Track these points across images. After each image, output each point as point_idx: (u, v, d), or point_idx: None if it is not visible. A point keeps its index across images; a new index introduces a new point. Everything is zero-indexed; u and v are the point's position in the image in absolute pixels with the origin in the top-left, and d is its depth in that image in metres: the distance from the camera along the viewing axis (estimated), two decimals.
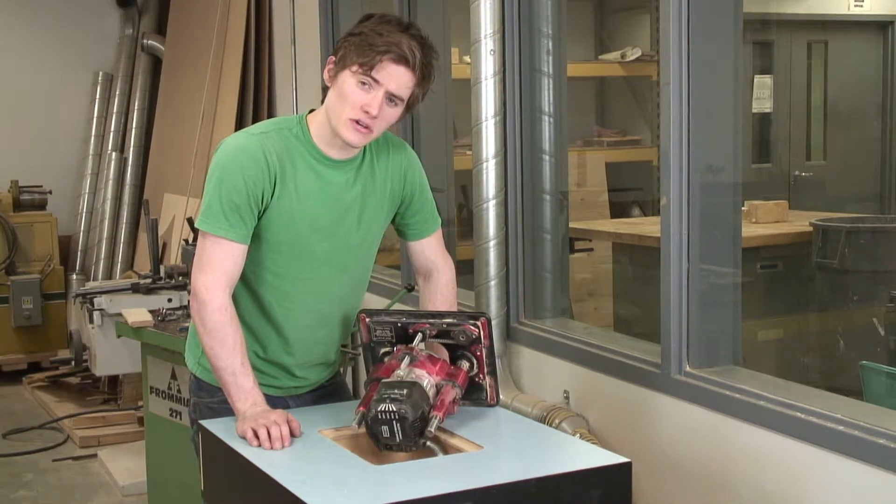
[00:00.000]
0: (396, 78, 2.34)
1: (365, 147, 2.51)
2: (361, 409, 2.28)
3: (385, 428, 2.19)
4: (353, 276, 2.59)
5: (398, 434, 2.19)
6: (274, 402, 2.44)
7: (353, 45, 2.34)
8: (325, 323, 2.58)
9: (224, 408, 2.48)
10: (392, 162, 2.56)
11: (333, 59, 2.40)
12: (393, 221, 2.64)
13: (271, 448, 2.24)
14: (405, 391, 2.21)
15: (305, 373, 2.62)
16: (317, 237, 2.47)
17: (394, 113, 2.40)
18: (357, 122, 2.37)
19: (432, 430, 2.22)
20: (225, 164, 2.40)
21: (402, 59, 2.33)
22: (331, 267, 2.52)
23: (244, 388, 2.37)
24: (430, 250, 2.68)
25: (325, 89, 2.45)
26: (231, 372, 2.37)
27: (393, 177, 2.56)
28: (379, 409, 2.18)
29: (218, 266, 2.39)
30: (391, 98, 2.37)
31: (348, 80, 2.35)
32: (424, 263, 2.69)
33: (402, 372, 2.30)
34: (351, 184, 2.50)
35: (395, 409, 2.18)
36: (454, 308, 2.68)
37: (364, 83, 2.34)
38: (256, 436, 2.26)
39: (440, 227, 2.71)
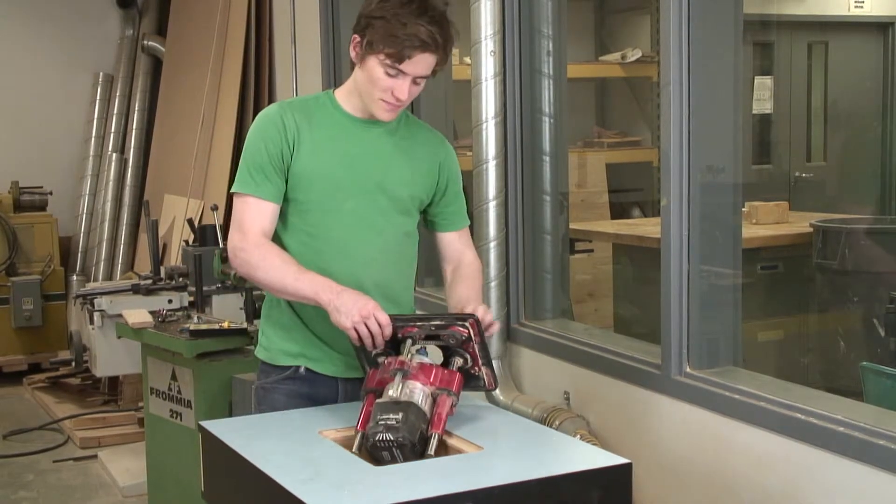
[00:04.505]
0: (422, 64, 2.45)
1: (400, 122, 2.62)
2: (360, 429, 2.28)
3: (385, 454, 2.20)
4: (388, 242, 2.60)
5: (399, 458, 2.20)
6: (326, 382, 2.59)
7: (379, 32, 2.42)
8: (364, 292, 2.51)
9: (276, 387, 2.61)
10: (429, 146, 2.66)
11: (358, 39, 2.48)
12: (425, 214, 2.69)
13: (373, 346, 2.35)
14: (400, 415, 2.20)
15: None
16: (342, 194, 2.54)
17: (420, 88, 2.52)
18: (387, 102, 2.49)
19: (432, 452, 2.22)
20: (250, 132, 2.58)
21: (426, 48, 2.42)
22: (362, 226, 2.56)
23: (316, 281, 2.43)
24: (462, 241, 2.74)
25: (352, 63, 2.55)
26: (294, 278, 2.44)
27: (429, 160, 2.65)
28: (377, 439, 2.18)
29: (248, 223, 2.51)
30: (416, 78, 2.47)
31: (376, 66, 2.45)
32: (454, 254, 2.72)
33: (394, 392, 2.27)
34: (375, 141, 2.58)
35: (392, 438, 2.18)
36: (478, 283, 2.69)
37: (391, 73, 2.44)
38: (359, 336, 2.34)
39: (468, 228, 2.77)
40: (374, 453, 2.21)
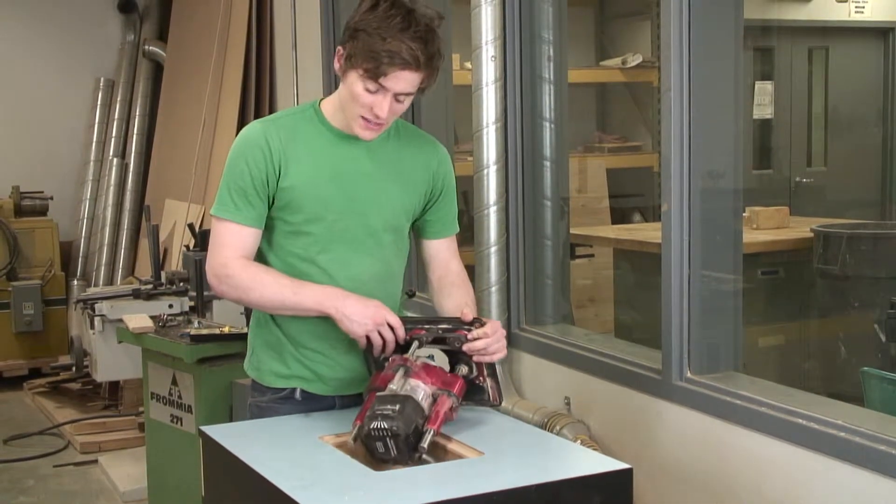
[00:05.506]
0: (402, 81, 2.35)
1: (389, 134, 2.53)
2: (358, 422, 2.28)
3: (379, 444, 2.19)
4: (377, 262, 2.55)
5: (392, 449, 2.19)
6: (322, 400, 2.52)
7: (359, 46, 2.32)
8: None
9: (271, 406, 2.56)
10: (421, 155, 2.58)
11: (341, 50, 2.39)
12: (414, 222, 2.63)
13: (382, 352, 2.35)
14: (397, 406, 2.19)
15: (347, 361, 2.56)
16: (333, 215, 2.47)
17: (403, 106, 2.42)
18: (367, 119, 2.41)
19: (425, 445, 2.21)
20: (232, 153, 2.48)
21: (406, 65, 2.32)
22: (353, 246, 2.50)
23: (316, 291, 2.40)
24: (449, 251, 2.67)
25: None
26: (293, 291, 2.41)
27: (421, 169, 2.57)
28: (371, 426, 2.18)
29: (230, 249, 2.45)
30: (399, 96, 2.38)
31: (356, 81, 2.36)
32: (442, 263, 2.66)
33: (395, 386, 2.28)
34: (363, 158, 2.50)
35: (386, 427, 2.17)
36: (471, 292, 2.65)
37: (371, 89, 2.36)
38: (369, 341, 2.34)
39: (455, 236, 2.71)
40: (369, 444, 2.20)
